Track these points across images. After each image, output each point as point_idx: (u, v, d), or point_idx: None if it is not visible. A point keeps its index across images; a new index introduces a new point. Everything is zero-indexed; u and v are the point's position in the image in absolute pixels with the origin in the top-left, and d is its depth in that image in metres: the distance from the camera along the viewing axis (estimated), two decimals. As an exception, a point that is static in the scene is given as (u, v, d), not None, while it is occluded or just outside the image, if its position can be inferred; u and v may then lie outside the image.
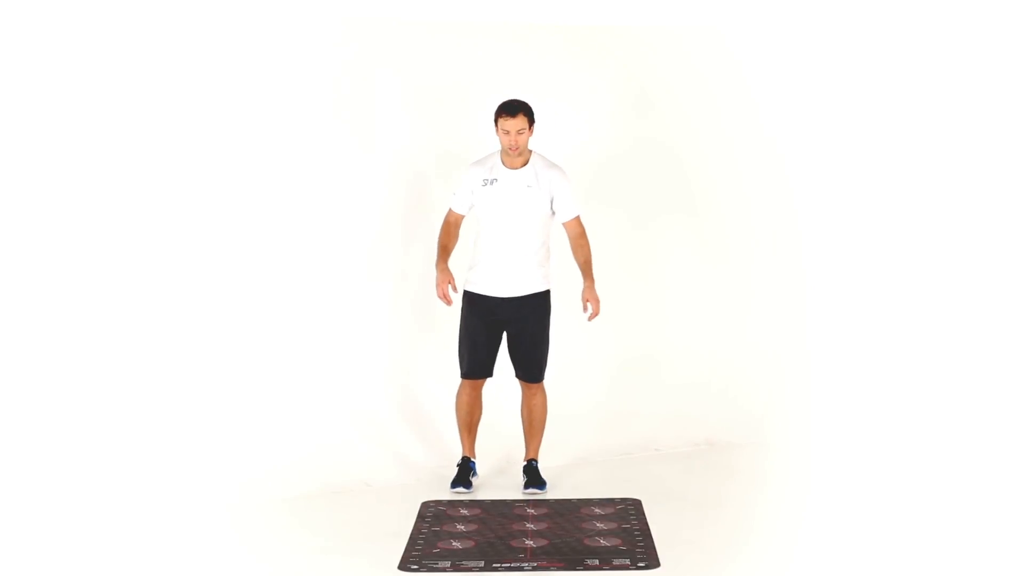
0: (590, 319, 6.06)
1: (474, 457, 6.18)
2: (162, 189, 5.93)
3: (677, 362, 7.09)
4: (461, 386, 6.13)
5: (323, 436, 6.25)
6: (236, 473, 5.94)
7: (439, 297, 5.99)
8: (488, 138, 6.31)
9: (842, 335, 6.99)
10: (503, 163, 5.95)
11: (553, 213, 5.98)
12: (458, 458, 6.18)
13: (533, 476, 6.08)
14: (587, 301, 6.02)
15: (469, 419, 6.14)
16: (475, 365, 6.04)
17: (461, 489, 6.02)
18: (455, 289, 6.00)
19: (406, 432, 6.48)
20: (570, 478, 6.27)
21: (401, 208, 6.58)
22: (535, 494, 6.00)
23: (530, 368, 6.06)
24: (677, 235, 7.13)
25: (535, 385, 6.09)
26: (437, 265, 6.02)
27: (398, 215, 6.57)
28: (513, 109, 5.82)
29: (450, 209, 6.06)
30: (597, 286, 6.02)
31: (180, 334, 5.98)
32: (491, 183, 5.92)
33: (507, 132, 5.84)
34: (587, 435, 6.71)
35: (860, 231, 6.91)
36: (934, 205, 6.64)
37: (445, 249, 6.03)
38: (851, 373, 6.91)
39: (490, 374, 6.10)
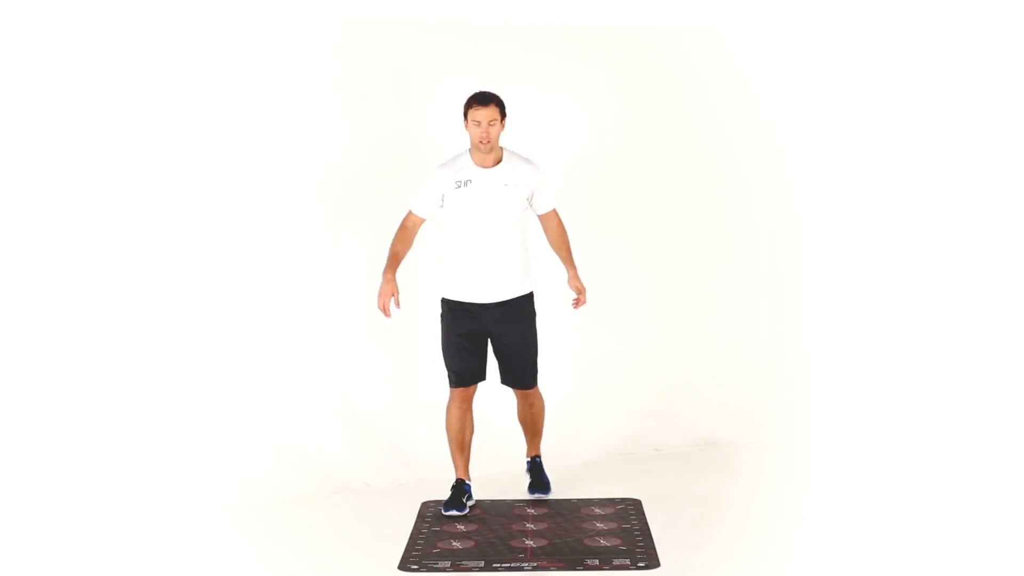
0: (576, 307, 5.89)
1: (469, 480, 5.83)
2: (161, 191, 5.92)
3: (677, 362, 7.08)
4: (450, 399, 5.80)
5: (323, 436, 6.25)
6: (235, 473, 5.94)
7: (379, 308, 5.54)
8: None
9: (842, 335, 6.98)
10: (474, 162, 5.63)
11: (528, 207, 5.73)
12: (452, 479, 5.86)
13: (538, 476, 5.95)
14: (573, 288, 5.84)
15: (461, 437, 5.80)
16: (465, 372, 5.72)
17: (454, 512, 5.68)
18: (398, 305, 5.56)
19: (406, 432, 6.47)
20: (570, 478, 6.26)
21: (401, 208, 6.56)
22: (541, 498, 5.91)
23: (523, 376, 5.81)
24: (677, 236, 7.12)
25: (530, 392, 5.92)
26: (384, 273, 5.57)
27: (398, 215, 6.55)
28: (484, 99, 5.52)
29: (410, 212, 5.70)
30: (591, 282, 5.92)
31: (179, 334, 5.97)
32: (464, 184, 5.61)
33: (478, 123, 5.50)
34: (587, 435, 6.71)
35: (861, 231, 6.91)
36: (934, 207, 6.63)
37: (396, 257, 5.62)
38: (851, 373, 6.90)
39: (482, 378, 5.80)
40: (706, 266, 7.16)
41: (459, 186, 5.61)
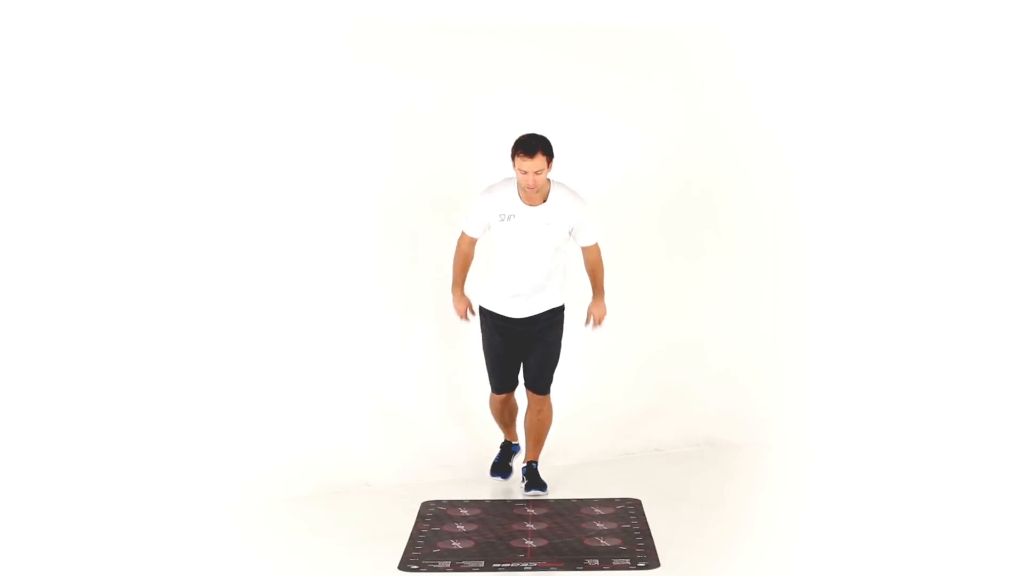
0: (593, 328, 6.09)
1: (516, 440, 6.29)
2: (162, 191, 5.91)
3: (678, 362, 7.08)
4: (491, 398, 6.16)
5: (323, 436, 6.25)
6: (236, 473, 5.94)
7: (459, 317, 5.99)
8: (488, 137, 6.32)
9: (842, 336, 6.98)
10: (520, 198, 5.73)
11: (569, 236, 5.87)
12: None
13: (534, 478, 6.06)
14: (592, 314, 6.03)
15: (505, 418, 6.23)
16: (503, 382, 6.04)
17: (499, 478, 6.19)
18: (473, 312, 5.97)
19: (406, 432, 6.48)
20: (570, 478, 6.27)
21: (403, 208, 6.56)
22: (537, 495, 6.00)
23: (539, 380, 6.01)
24: (677, 237, 7.11)
25: (542, 397, 6.05)
26: (452, 292, 5.94)
27: (399, 216, 6.56)
28: (531, 149, 5.53)
29: (463, 233, 5.87)
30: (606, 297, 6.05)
31: (181, 335, 5.97)
32: (508, 219, 5.73)
33: (524, 172, 5.57)
34: (587, 435, 6.71)
35: (861, 232, 6.91)
36: (934, 208, 6.63)
37: (459, 279, 5.93)
38: (851, 374, 6.90)
39: (518, 383, 6.11)
40: (705, 266, 7.16)
41: (503, 219, 5.75)
